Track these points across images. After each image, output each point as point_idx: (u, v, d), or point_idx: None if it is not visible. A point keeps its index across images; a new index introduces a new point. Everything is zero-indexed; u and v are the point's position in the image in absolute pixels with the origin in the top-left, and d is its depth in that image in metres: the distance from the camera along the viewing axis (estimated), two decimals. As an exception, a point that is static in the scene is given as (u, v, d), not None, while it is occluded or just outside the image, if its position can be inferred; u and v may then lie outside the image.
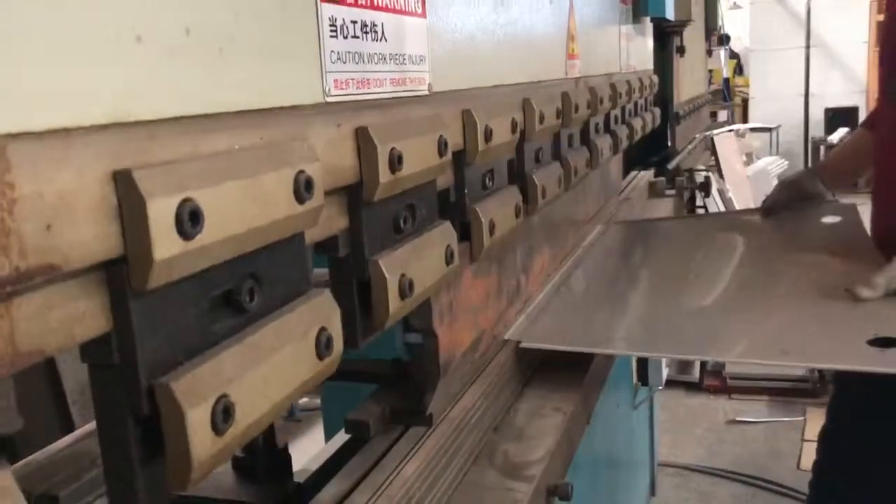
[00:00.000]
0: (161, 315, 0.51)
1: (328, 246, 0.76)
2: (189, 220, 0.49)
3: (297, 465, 0.97)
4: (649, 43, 2.74)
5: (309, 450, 1.25)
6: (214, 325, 0.56)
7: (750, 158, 8.21)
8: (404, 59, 0.84)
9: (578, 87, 1.61)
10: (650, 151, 3.27)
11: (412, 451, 0.92)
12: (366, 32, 0.76)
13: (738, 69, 11.88)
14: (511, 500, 0.94)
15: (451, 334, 1.02)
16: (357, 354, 0.83)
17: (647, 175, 3.04)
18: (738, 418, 4.45)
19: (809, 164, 9.57)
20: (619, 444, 2.59)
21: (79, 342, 0.47)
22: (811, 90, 10.56)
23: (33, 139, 0.42)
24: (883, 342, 1.17)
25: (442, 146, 0.88)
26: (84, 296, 0.47)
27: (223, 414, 0.52)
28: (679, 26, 3.38)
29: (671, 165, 3.30)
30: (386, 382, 1.05)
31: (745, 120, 10.80)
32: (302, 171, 0.62)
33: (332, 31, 0.70)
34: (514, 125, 1.15)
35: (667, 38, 3.39)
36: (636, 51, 2.40)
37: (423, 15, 0.89)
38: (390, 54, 0.81)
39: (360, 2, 0.75)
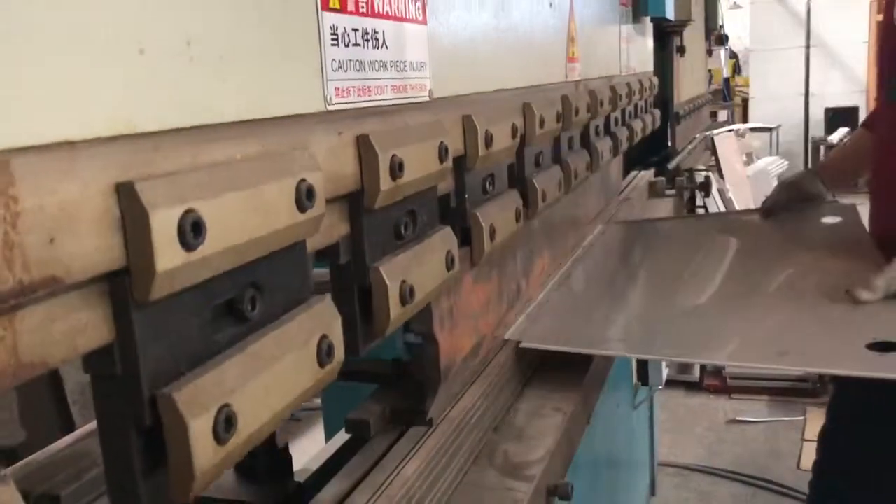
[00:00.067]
0: (163, 325, 0.51)
1: (329, 253, 0.76)
2: (191, 231, 0.49)
3: (297, 465, 0.97)
4: (649, 43, 2.74)
5: (309, 450, 1.25)
6: (216, 334, 0.56)
7: (750, 158, 8.21)
8: (405, 66, 0.84)
9: (579, 91, 1.61)
10: (650, 151, 3.27)
11: (412, 451, 0.92)
12: (367, 40, 0.76)
13: (737, 69, 11.87)
14: (511, 500, 0.94)
15: (452, 339, 1.03)
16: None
17: (647, 175, 3.03)
18: (738, 418, 4.45)
19: (809, 164, 9.57)
20: (619, 443, 2.59)
21: (81, 353, 0.48)
22: (811, 90, 10.55)
23: (37, 152, 0.42)
24: (882, 346, 1.17)
25: (443, 152, 0.89)
26: (86, 307, 0.48)
27: (225, 424, 0.52)
28: (679, 26, 3.38)
29: (671, 165, 3.30)
30: (386, 382, 1.05)
31: (745, 120, 10.80)
32: (303, 180, 0.62)
33: (333, 39, 0.70)
34: (514, 130, 1.15)
35: (667, 37, 3.39)
36: (636, 52, 2.40)
37: (424, 21, 0.89)
38: (391, 61, 0.81)
39: (361, 10, 0.75)
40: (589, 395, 1.33)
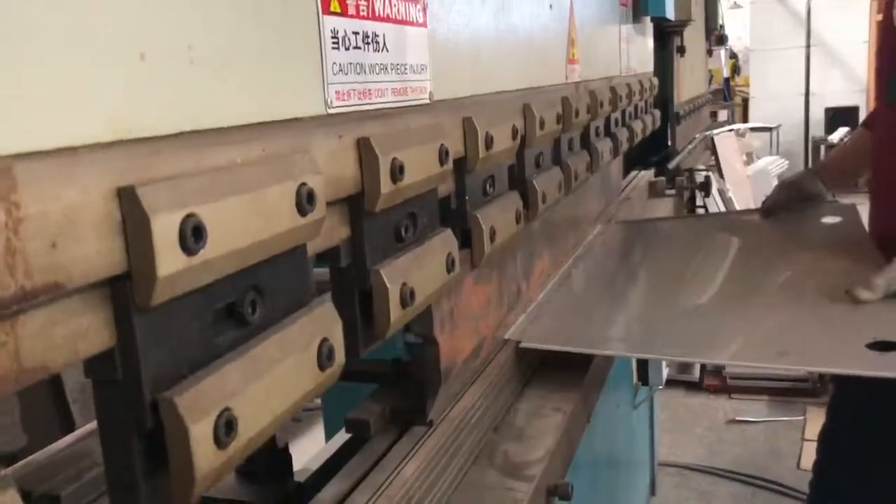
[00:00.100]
0: (164, 330, 0.52)
1: (330, 256, 0.76)
2: (192, 235, 0.50)
3: (297, 465, 0.97)
4: (649, 44, 2.74)
5: (309, 449, 1.25)
6: (217, 338, 0.57)
7: (750, 158, 8.21)
8: (405, 69, 0.84)
9: (579, 92, 1.61)
10: (650, 151, 3.27)
11: (412, 451, 0.93)
12: (367, 43, 0.76)
13: (737, 69, 11.86)
14: (511, 500, 0.94)
15: (453, 341, 1.03)
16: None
17: (647, 175, 3.04)
18: (738, 418, 4.45)
19: (809, 164, 9.57)
20: (619, 443, 2.59)
21: (82, 358, 0.48)
22: (811, 90, 10.55)
23: (39, 158, 0.42)
24: (882, 346, 1.18)
25: (443, 155, 0.89)
26: (88, 312, 0.48)
27: (226, 427, 0.52)
28: (679, 26, 3.38)
29: (671, 165, 3.30)
30: (386, 382, 1.06)
31: (745, 120, 10.79)
32: (304, 184, 0.62)
33: (333, 42, 0.70)
34: (514, 132, 1.15)
35: (667, 37, 3.39)
36: (636, 52, 2.40)
37: (425, 24, 0.89)
38: (392, 64, 0.81)
39: (361, 13, 0.75)
40: (589, 395, 1.33)
